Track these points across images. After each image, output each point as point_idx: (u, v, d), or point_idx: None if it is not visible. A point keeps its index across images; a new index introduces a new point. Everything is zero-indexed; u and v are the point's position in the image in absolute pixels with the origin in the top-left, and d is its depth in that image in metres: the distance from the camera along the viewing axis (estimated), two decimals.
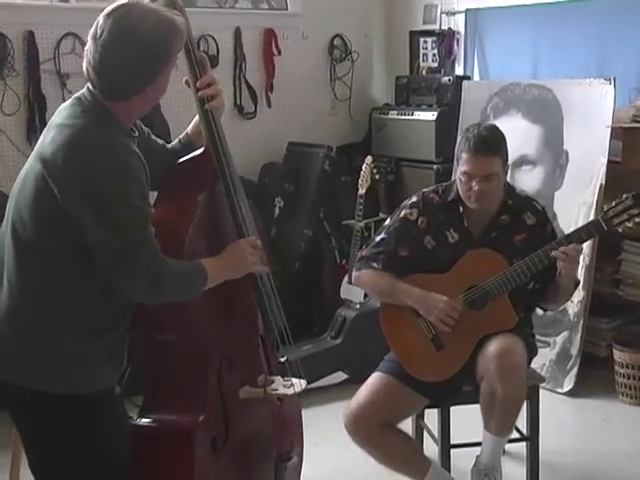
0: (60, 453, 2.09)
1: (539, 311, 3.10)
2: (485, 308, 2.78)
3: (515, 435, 2.97)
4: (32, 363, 2.03)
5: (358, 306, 4.24)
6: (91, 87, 2.05)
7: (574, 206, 4.04)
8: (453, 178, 2.97)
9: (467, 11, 4.94)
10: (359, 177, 4.38)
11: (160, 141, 2.39)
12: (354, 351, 4.09)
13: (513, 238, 2.84)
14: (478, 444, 2.77)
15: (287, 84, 5.06)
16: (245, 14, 4.95)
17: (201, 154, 2.34)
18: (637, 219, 2.68)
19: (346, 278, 4.31)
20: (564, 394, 3.98)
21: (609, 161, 3.92)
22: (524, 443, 3.00)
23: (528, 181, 4.23)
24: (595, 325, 4.12)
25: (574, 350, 4.00)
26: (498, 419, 2.67)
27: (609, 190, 3.81)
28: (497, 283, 2.75)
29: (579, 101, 4.07)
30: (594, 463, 3.37)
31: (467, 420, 2.84)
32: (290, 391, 2.44)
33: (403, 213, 2.91)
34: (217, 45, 4.68)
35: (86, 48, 2.03)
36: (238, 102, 4.85)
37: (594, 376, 4.05)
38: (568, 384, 3.99)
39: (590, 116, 4.00)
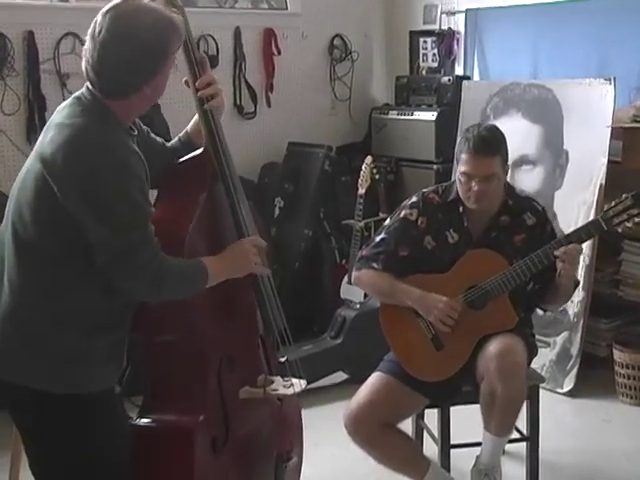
0: (60, 453, 2.09)
1: (539, 311, 3.10)
2: (485, 308, 2.77)
3: (515, 435, 2.97)
4: (32, 362, 2.03)
5: (358, 306, 4.24)
6: (90, 86, 2.05)
7: (574, 206, 4.04)
8: (453, 178, 2.96)
9: (467, 11, 4.94)
10: (359, 177, 4.38)
11: (159, 139, 2.39)
12: (354, 351, 4.09)
13: (513, 238, 2.84)
14: (478, 444, 2.77)
15: (287, 84, 5.06)
16: (245, 14, 4.95)
17: (201, 154, 2.34)
18: (637, 219, 2.68)
19: (346, 278, 4.31)
20: (564, 394, 3.98)
21: (609, 161, 3.92)
22: (524, 443, 2.99)
23: (528, 181, 4.23)
24: (595, 325, 4.12)
25: (574, 350, 4.00)
26: (498, 419, 2.67)
27: (609, 190, 3.81)
28: (497, 283, 2.75)
29: (579, 101, 4.07)
30: (594, 463, 3.37)
31: (467, 420, 2.84)
32: (290, 391, 2.44)
33: (403, 213, 2.91)
34: (217, 45, 4.68)
35: (84, 47, 2.03)
36: (238, 102, 4.85)
37: (594, 376, 4.05)
38: (568, 384, 3.99)
39: (590, 116, 4.00)
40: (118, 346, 2.16)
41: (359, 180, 4.37)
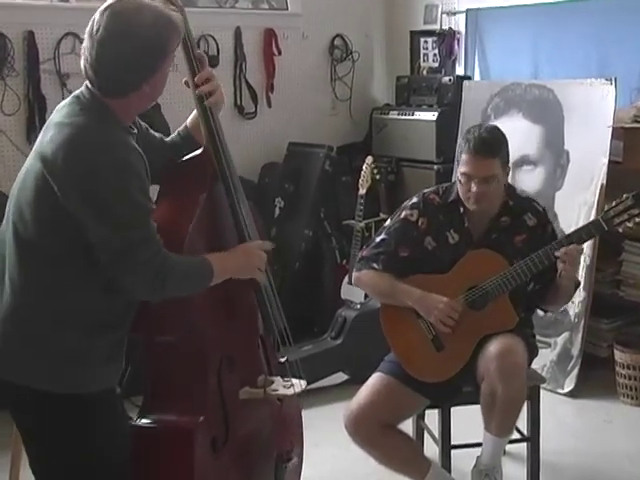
0: (60, 453, 2.09)
1: (540, 312, 3.09)
2: (485, 308, 2.77)
3: (516, 436, 2.96)
4: (32, 362, 2.03)
5: (358, 306, 4.23)
6: (89, 85, 2.05)
7: (575, 206, 4.03)
8: (454, 179, 2.96)
9: (468, 11, 4.94)
10: (359, 177, 4.38)
11: (158, 135, 2.38)
12: (354, 352, 4.09)
13: (514, 239, 2.84)
14: (479, 445, 2.77)
15: (287, 84, 5.05)
16: (245, 14, 4.95)
17: (201, 154, 2.34)
18: (637, 219, 2.68)
19: (346, 278, 4.31)
20: (565, 395, 3.97)
21: (610, 161, 3.91)
22: (525, 444, 3.00)
23: (529, 181, 4.22)
24: (596, 326, 4.12)
25: (575, 351, 3.99)
26: (499, 420, 2.66)
27: (610, 190, 3.81)
28: (497, 283, 2.74)
29: (580, 101, 4.07)
30: (595, 464, 3.37)
31: (467, 421, 2.84)
32: (290, 391, 2.44)
33: (403, 214, 2.91)
34: (217, 45, 4.68)
35: (83, 45, 2.02)
36: (238, 102, 4.85)
37: (595, 377, 4.05)
38: (569, 385, 3.98)
39: (591, 116, 3.99)
40: (118, 346, 2.15)
41: (360, 180, 4.37)
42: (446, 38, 5.02)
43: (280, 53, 4.97)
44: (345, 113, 5.34)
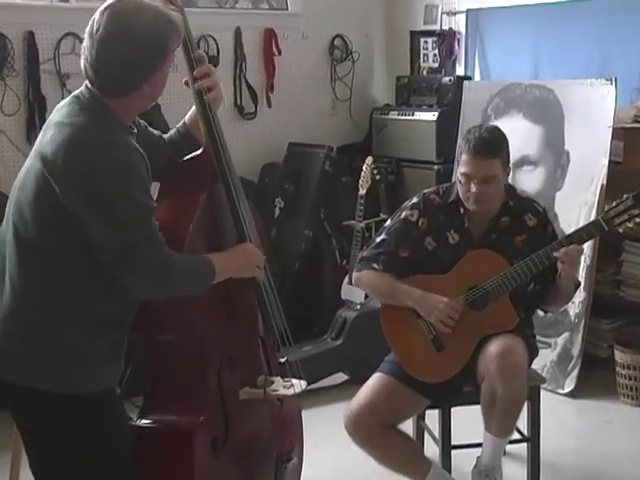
0: (60, 453, 2.09)
1: (540, 312, 3.09)
2: (486, 309, 2.77)
3: (516, 436, 2.96)
4: (32, 362, 2.03)
5: (359, 307, 4.23)
6: (89, 84, 2.05)
7: (575, 207, 4.03)
8: (454, 179, 2.96)
9: (468, 11, 4.93)
10: (360, 177, 4.38)
11: (157, 133, 2.38)
12: (355, 352, 4.08)
13: (514, 239, 2.84)
14: (479, 445, 2.77)
15: (287, 84, 5.05)
16: (245, 14, 4.95)
17: (201, 154, 2.34)
18: (638, 219, 2.68)
19: (347, 279, 4.31)
20: (565, 395, 3.97)
21: (610, 161, 3.91)
22: (525, 444, 2.99)
23: (529, 182, 4.22)
24: (596, 326, 4.11)
25: (575, 351, 3.99)
26: (499, 420, 2.66)
27: (610, 191, 3.81)
28: (498, 283, 2.74)
29: (580, 101, 4.07)
30: (595, 464, 3.37)
31: (468, 421, 2.83)
32: (290, 392, 2.44)
33: (404, 214, 2.91)
34: (217, 45, 4.67)
35: (83, 45, 2.02)
36: (238, 102, 4.84)
37: (595, 377, 4.04)
38: (569, 385, 3.98)
39: (591, 116, 3.99)
40: (118, 346, 2.15)
41: (360, 181, 4.37)
42: (446, 38, 5.02)
43: (280, 53, 4.97)
44: (345, 113, 5.34)
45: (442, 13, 5.08)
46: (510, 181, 2.93)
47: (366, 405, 2.77)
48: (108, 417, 2.15)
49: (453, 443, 2.90)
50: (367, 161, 4.43)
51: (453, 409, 2.88)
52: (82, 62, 2.03)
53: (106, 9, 1.99)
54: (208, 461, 2.28)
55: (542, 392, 2.99)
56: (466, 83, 4.72)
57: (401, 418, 2.87)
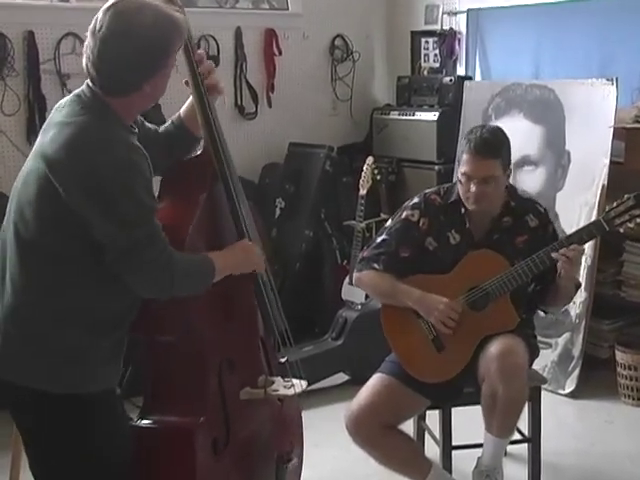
0: (59, 453, 2.09)
1: (541, 313, 3.09)
2: (486, 309, 2.77)
3: (517, 436, 2.96)
4: (32, 362, 2.03)
5: (359, 307, 4.23)
6: (90, 83, 2.05)
7: (576, 207, 4.03)
8: (455, 179, 2.96)
9: (469, 11, 4.93)
10: (360, 178, 4.37)
11: (152, 127, 2.37)
12: (355, 352, 4.08)
13: (515, 240, 2.83)
14: (479, 445, 2.76)
15: (288, 84, 5.05)
16: (246, 14, 4.94)
17: (201, 154, 2.34)
18: (639, 220, 2.67)
19: (347, 279, 4.30)
20: (566, 395, 3.97)
21: (611, 162, 3.90)
22: (526, 444, 2.99)
23: (530, 182, 4.22)
24: (597, 326, 4.11)
25: (576, 351, 3.99)
26: (499, 420, 2.66)
27: (611, 191, 3.80)
28: (498, 284, 2.74)
29: (581, 101, 4.06)
30: (596, 464, 3.36)
31: (468, 421, 2.83)
32: (291, 392, 2.43)
33: (404, 214, 2.90)
34: (218, 45, 4.67)
35: (85, 44, 2.02)
36: (239, 102, 4.84)
37: (596, 377, 4.04)
38: (570, 385, 3.98)
39: (592, 116, 3.99)
40: (118, 346, 2.15)
41: (360, 181, 4.36)
42: (447, 38, 5.01)
43: (281, 53, 4.96)
44: (346, 113, 5.33)
45: (443, 13, 5.07)
46: (511, 181, 2.93)
47: (367, 405, 2.76)
48: (108, 417, 2.15)
49: (454, 443, 2.89)
50: (368, 161, 4.42)
51: (454, 409, 2.87)
52: (84, 61, 2.03)
53: (109, 8, 1.99)
54: (209, 462, 2.27)
55: (543, 392, 2.99)
56: (467, 83, 4.71)
57: (402, 418, 2.86)
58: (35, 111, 4.03)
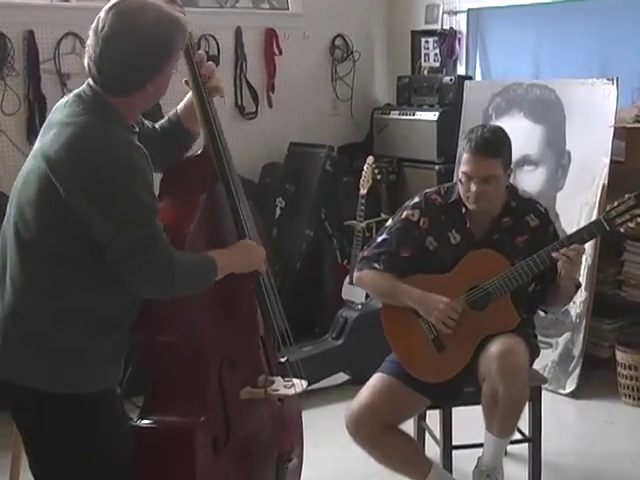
0: (59, 453, 2.09)
1: (541, 312, 3.08)
2: (487, 309, 2.76)
3: (517, 436, 2.96)
4: (32, 362, 2.03)
5: (359, 307, 4.22)
6: (92, 82, 2.05)
7: (576, 206, 4.03)
8: (455, 179, 2.96)
9: (469, 11, 4.93)
10: (360, 177, 4.37)
11: (149, 124, 2.37)
12: (355, 352, 4.08)
13: (515, 240, 2.83)
14: (480, 445, 2.76)
15: (288, 84, 5.04)
16: (246, 14, 4.95)
17: (201, 154, 2.34)
18: (639, 219, 2.67)
19: (347, 279, 4.30)
20: (566, 395, 3.96)
21: (612, 161, 3.90)
22: (526, 444, 2.99)
23: (530, 181, 4.22)
24: (597, 326, 4.11)
25: (576, 351, 3.99)
26: (500, 420, 2.66)
27: (612, 190, 3.80)
28: (499, 284, 2.74)
29: (581, 101, 4.06)
30: (596, 464, 3.36)
31: (469, 421, 2.83)
32: (291, 391, 2.43)
33: (405, 214, 2.90)
34: (218, 45, 4.67)
35: (87, 43, 2.02)
36: (239, 102, 4.84)
37: (596, 377, 4.04)
38: (570, 385, 3.97)
39: (592, 116, 3.98)
40: (120, 346, 2.15)
41: (361, 180, 4.36)
42: (447, 38, 5.01)
43: (281, 53, 4.96)
44: (346, 113, 5.33)
45: (443, 13, 5.07)
46: (511, 181, 2.92)
47: (367, 405, 2.76)
48: (108, 417, 2.14)
49: (454, 443, 2.89)
50: (368, 161, 4.42)
51: (454, 409, 2.87)
52: (86, 60, 2.03)
53: (111, 8, 1.99)
54: (209, 461, 2.27)
55: (543, 392, 2.98)
56: (467, 83, 4.71)
57: (402, 418, 2.86)
58: (35, 111, 4.03)
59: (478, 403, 2.71)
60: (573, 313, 4.00)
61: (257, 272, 2.35)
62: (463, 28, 4.98)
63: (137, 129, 2.15)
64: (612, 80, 3.90)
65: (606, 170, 3.91)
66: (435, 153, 4.70)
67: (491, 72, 4.91)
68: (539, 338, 3.07)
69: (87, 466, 2.10)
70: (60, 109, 2.08)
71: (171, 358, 2.30)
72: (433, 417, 3.02)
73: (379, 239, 2.92)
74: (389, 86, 5.43)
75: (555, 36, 4.48)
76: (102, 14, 1.99)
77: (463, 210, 2.83)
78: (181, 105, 2.41)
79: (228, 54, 4.75)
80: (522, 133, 4.21)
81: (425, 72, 5.16)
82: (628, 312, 4.13)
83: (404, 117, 4.90)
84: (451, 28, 5.01)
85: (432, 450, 3.04)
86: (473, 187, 2.72)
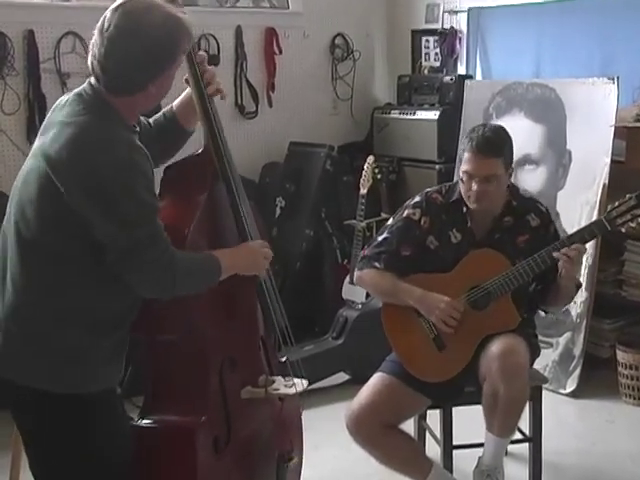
0: (60, 453, 2.08)
1: (541, 312, 3.08)
2: (487, 308, 2.76)
3: (518, 436, 2.96)
4: (33, 361, 2.02)
5: (360, 306, 4.22)
6: (94, 81, 2.04)
7: (577, 206, 4.02)
8: (455, 178, 2.95)
9: (469, 10, 4.92)
10: (361, 177, 4.37)
11: (145, 120, 2.35)
12: (356, 351, 4.07)
13: (516, 239, 2.83)
14: (480, 445, 2.76)
15: (288, 83, 5.04)
16: (246, 13, 4.94)
17: (201, 153, 2.33)
18: None
19: (348, 278, 4.30)
20: (567, 395, 3.96)
21: (612, 161, 3.90)
22: (527, 444, 2.99)
23: (531, 181, 4.21)
24: (598, 326, 4.10)
25: (577, 351, 3.98)
26: (500, 420, 2.65)
27: (612, 190, 3.80)
28: (499, 283, 2.73)
29: (582, 100, 4.06)
30: (597, 464, 3.36)
31: (469, 421, 2.83)
32: (291, 391, 2.43)
33: (406, 213, 2.90)
34: (218, 44, 4.67)
35: (92, 41, 2.02)
36: (239, 102, 4.84)
37: (597, 377, 4.04)
38: (571, 385, 3.97)
39: (593, 115, 3.98)
40: (121, 346, 2.15)
41: (361, 180, 4.36)
42: (448, 37, 5.00)
43: (281, 52, 4.96)
44: (346, 112, 5.33)
45: (444, 12, 5.06)
46: (512, 180, 2.92)
47: (367, 405, 2.76)
48: (108, 417, 2.14)
49: (455, 443, 2.89)
50: (368, 160, 4.42)
51: (454, 409, 2.87)
52: (89, 59, 2.03)
53: (117, 7, 1.99)
54: (210, 461, 2.27)
55: (544, 392, 2.98)
56: (467, 82, 4.71)
57: (402, 418, 2.86)
58: (35, 110, 4.03)
59: (479, 403, 2.71)
60: (574, 313, 3.99)
61: (257, 277, 2.35)
62: (464, 27, 4.98)
63: (138, 128, 2.15)
64: (613, 79, 3.90)
65: (607, 169, 3.90)
66: (435, 152, 4.69)
67: (492, 71, 4.90)
68: (540, 338, 3.07)
69: (87, 466, 2.09)
70: (60, 108, 2.07)
71: (172, 358, 2.30)
72: (433, 417, 3.02)
73: (380, 238, 2.92)
74: (389, 85, 5.43)
75: (556, 35, 4.47)
76: (108, 14, 1.99)
77: (464, 209, 2.83)
78: (177, 102, 2.40)
79: (228, 53, 4.75)
80: (523, 132, 4.20)
81: (425, 71, 5.16)
82: (629, 312, 4.13)
83: (404, 116, 4.90)
84: (451, 27, 5.00)
85: (432, 450, 3.03)
86: (474, 186, 2.72)
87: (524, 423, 2.90)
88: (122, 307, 2.10)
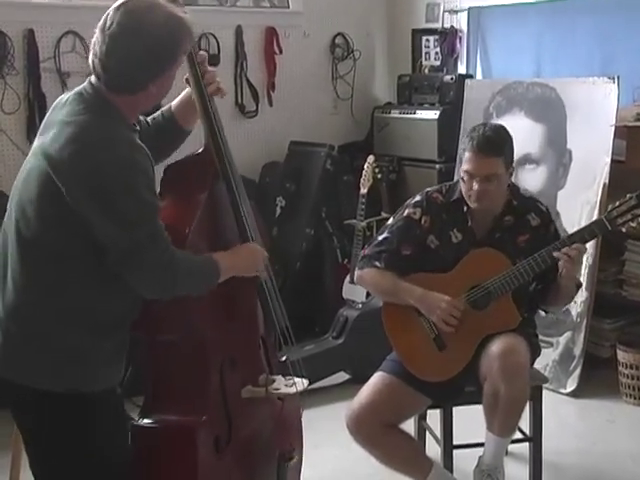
0: (60, 453, 2.08)
1: (541, 312, 3.08)
2: (488, 308, 2.76)
3: (518, 436, 2.96)
4: (34, 361, 2.02)
5: (360, 306, 4.22)
6: (94, 80, 2.04)
7: (577, 206, 4.02)
8: (456, 178, 2.95)
9: (470, 9, 4.92)
10: (361, 176, 4.37)
11: (143, 119, 2.35)
12: (356, 351, 4.07)
13: (517, 239, 2.83)
14: (481, 445, 2.76)
15: (289, 83, 5.04)
16: (246, 12, 4.94)
17: (201, 153, 2.33)
18: None
19: (348, 278, 4.30)
20: (567, 395, 3.96)
21: (613, 160, 3.90)
22: (527, 444, 2.99)
23: (531, 180, 4.21)
24: (598, 325, 4.10)
25: (577, 351, 3.98)
26: (501, 419, 2.65)
27: (613, 190, 3.79)
28: (500, 283, 2.73)
29: (582, 100, 4.05)
30: (597, 464, 3.36)
31: (470, 421, 2.82)
32: (292, 390, 2.43)
33: (406, 212, 2.90)
34: (218, 44, 4.66)
35: (93, 40, 2.01)
36: (239, 101, 4.83)
37: (597, 377, 4.04)
38: (571, 385, 3.97)
39: (593, 115, 3.98)
40: (121, 347, 2.15)
41: (361, 179, 4.36)
42: (448, 36, 5.00)
43: (281, 52, 4.95)
44: (346, 112, 5.32)
45: (444, 11, 5.06)
46: (512, 180, 2.92)
47: (368, 404, 2.76)
48: (109, 417, 2.14)
49: (455, 443, 2.89)
50: (368, 160, 4.42)
51: (455, 409, 2.87)
52: (90, 57, 2.03)
53: (120, 6, 1.99)
54: (211, 461, 2.27)
55: (544, 392, 2.98)
56: (468, 81, 4.70)
57: (403, 417, 2.86)
58: (35, 110, 4.03)
59: (479, 402, 2.71)
60: (574, 312, 3.99)
61: (258, 277, 2.35)
62: (464, 27, 4.98)
63: (138, 127, 2.15)
64: (613, 79, 3.89)
65: (607, 169, 3.90)
66: (436, 152, 4.69)
67: (492, 71, 4.90)
68: (540, 337, 3.07)
69: (87, 466, 2.09)
70: (60, 107, 2.07)
71: (172, 358, 2.29)
72: (434, 416, 3.02)
73: (380, 237, 2.92)
74: (390, 85, 5.42)
75: (556, 35, 4.47)
76: (110, 12, 1.99)
77: (465, 209, 2.83)
78: (176, 101, 2.40)
79: (228, 53, 4.75)
80: (523, 132, 4.19)
81: (426, 71, 5.15)
82: (629, 311, 4.13)
83: (405, 116, 4.90)
84: (452, 27, 5.00)
85: (433, 449, 3.03)
86: (475, 185, 2.72)
87: (524, 423, 2.89)
88: (123, 307, 2.09)
